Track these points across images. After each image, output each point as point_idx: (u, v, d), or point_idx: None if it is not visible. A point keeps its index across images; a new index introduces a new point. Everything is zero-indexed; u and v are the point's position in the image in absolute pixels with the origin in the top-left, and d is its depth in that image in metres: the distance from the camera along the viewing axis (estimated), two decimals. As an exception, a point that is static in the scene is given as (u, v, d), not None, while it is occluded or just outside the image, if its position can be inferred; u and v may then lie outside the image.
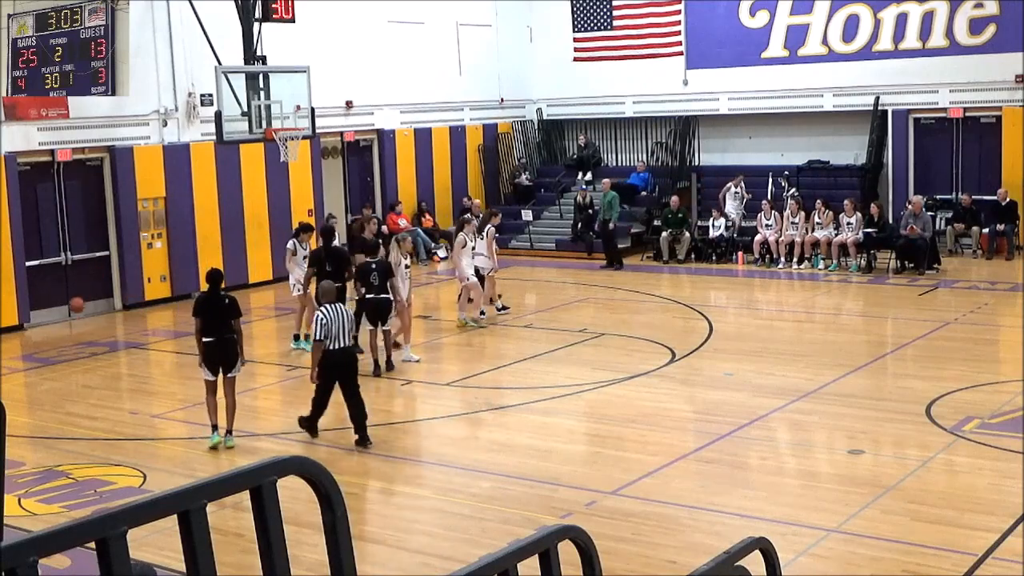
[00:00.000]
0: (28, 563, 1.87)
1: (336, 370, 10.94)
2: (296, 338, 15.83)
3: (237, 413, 11.25)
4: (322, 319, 10.96)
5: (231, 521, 7.55)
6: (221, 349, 11.07)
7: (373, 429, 12.10)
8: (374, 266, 14.12)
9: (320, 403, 11.22)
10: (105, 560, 1.99)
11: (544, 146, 27.56)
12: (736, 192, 23.26)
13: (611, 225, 22.17)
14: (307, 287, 14.98)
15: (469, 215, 17.86)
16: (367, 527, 9.02)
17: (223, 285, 11.55)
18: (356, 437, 11.09)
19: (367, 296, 14.16)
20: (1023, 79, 21.81)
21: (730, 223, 22.57)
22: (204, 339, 11.07)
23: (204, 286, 12.26)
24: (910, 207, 21.02)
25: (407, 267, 14.96)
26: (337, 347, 10.92)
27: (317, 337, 10.97)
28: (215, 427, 11.23)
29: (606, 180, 23.41)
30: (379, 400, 13.34)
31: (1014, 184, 21.79)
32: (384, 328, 14.18)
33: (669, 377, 13.66)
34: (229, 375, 11.15)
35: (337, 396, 11.10)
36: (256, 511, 2.26)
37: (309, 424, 11.36)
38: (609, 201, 22.36)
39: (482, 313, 16.99)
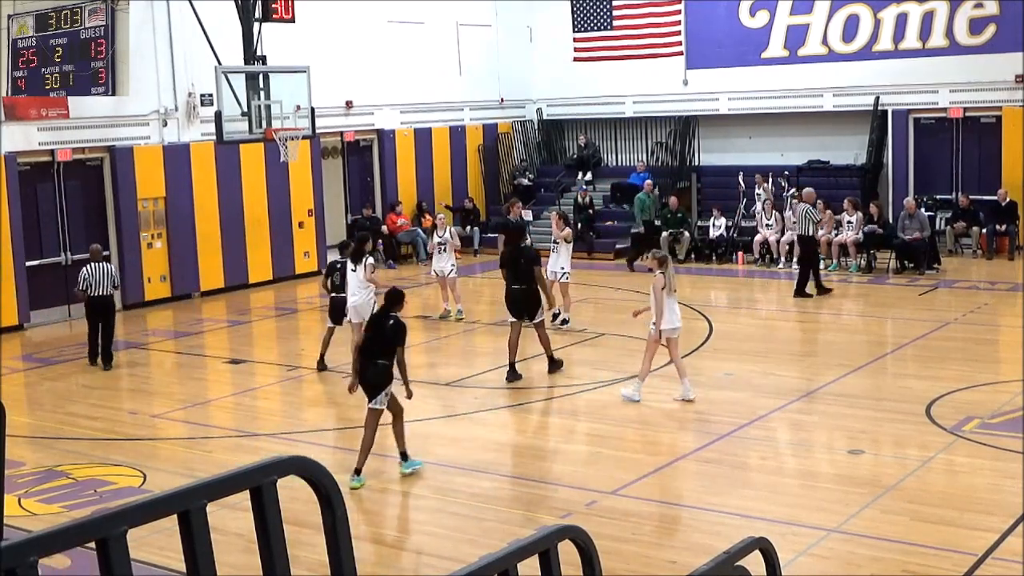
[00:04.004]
0: (28, 563, 1.87)
1: (97, 309, 14.75)
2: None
3: (236, 412, 11.20)
4: (85, 275, 14.62)
5: (231, 521, 7.54)
6: (369, 373, 9.92)
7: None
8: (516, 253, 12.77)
9: (92, 339, 14.97)
10: (105, 560, 1.99)
11: (544, 146, 27.55)
12: (759, 193, 22.95)
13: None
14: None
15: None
16: (367, 527, 9.01)
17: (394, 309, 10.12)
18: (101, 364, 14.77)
19: (511, 287, 12.88)
20: (1023, 79, 21.81)
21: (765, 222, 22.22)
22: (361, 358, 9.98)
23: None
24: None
25: (666, 292, 11.81)
26: (97, 295, 14.58)
27: (80, 288, 14.62)
28: (359, 471, 9.90)
29: (648, 182, 23.47)
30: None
31: (1014, 184, 21.78)
32: (533, 322, 12.47)
33: (669, 377, 13.65)
34: (370, 405, 9.95)
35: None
36: (256, 511, 2.25)
37: (91, 359, 14.94)
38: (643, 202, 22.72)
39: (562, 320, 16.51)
